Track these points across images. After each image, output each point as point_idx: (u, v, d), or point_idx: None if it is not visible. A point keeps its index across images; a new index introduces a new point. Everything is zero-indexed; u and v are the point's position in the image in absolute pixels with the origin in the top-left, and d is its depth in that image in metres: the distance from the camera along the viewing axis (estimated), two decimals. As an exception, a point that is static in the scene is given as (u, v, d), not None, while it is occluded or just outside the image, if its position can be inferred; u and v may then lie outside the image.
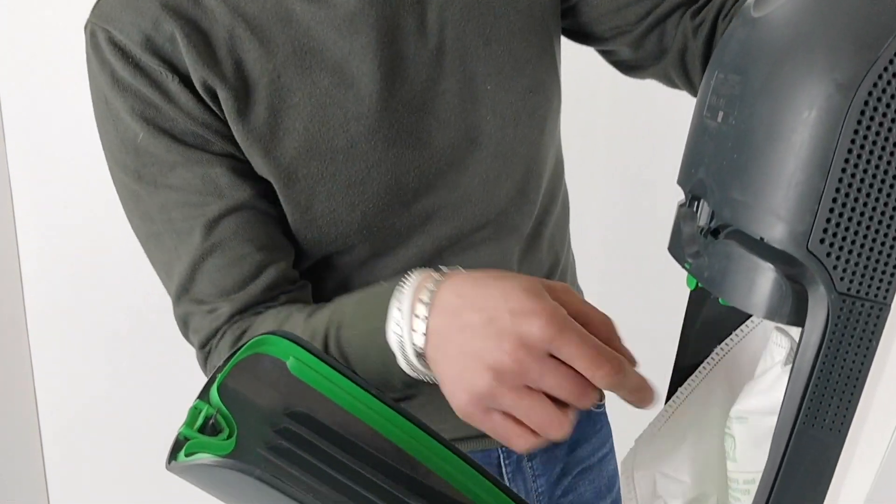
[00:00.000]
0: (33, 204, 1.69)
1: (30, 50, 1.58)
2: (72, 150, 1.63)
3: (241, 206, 0.74)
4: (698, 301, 0.61)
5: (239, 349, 0.59)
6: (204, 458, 0.46)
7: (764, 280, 0.46)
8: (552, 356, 0.53)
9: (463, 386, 0.55)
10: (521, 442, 0.55)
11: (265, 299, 0.74)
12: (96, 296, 1.75)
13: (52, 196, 1.69)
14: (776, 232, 0.45)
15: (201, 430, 0.53)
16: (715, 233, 0.51)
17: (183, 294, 0.75)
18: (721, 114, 0.49)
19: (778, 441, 0.47)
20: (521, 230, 0.84)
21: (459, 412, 0.57)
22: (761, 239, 0.46)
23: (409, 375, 0.61)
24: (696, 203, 0.54)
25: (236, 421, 0.56)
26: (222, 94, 0.71)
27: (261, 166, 0.74)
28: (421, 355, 0.58)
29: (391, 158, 0.75)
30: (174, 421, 0.53)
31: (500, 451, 0.92)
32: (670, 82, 0.84)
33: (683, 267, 0.54)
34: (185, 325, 0.77)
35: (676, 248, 0.55)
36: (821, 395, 0.46)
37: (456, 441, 0.85)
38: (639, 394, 0.54)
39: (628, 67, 0.88)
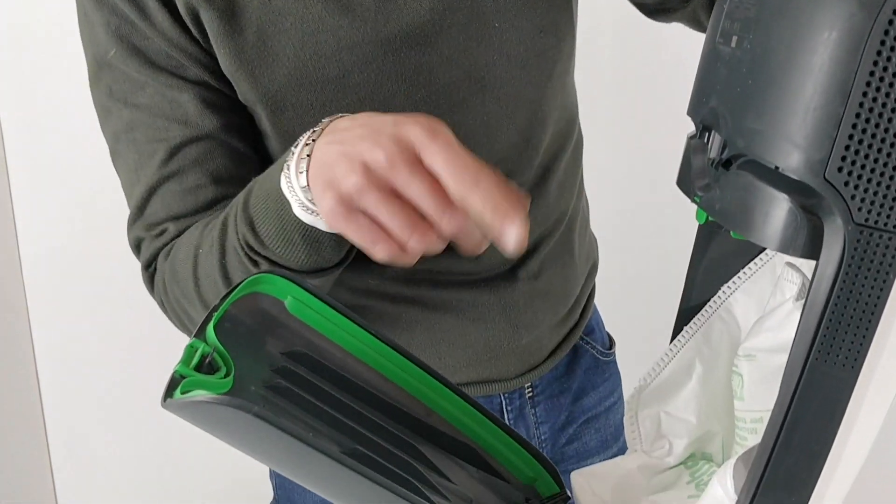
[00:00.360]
0: (32, 190, 1.69)
1: (27, 47, 1.58)
2: (70, 142, 1.62)
3: (206, 136, 0.72)
4: (706, 237, 0.59)
5: (235, 288, 0.58)
6: (201, 395, 0.45)
7: (778, 211, 0.44)
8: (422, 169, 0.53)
9: (332, 184, 0.54)
10: (381, 249, 0.54)
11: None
12: (97, 277, 1.74)
13: (50, 184, 1.68)
14: (792, 160, 0.43)
15: (197, 368, 0.51)
16: (727, 164, 0.49)
17: (137, 217, 0.74)
18: (735, 38, 0.47)
19: (789, 377, 0.46)
20: (522, 179, 0.81)
21: (325, 214, 0.55)
22: (776, 168, 0.44)
23: (308, 226, 0.61)
24: (706, 134, 0.52)
25: (233, 360, 0.55)
26: (206, 16, 0.68)
27: (247, 92, 0.72)
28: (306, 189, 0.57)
29: (385, 93, 0.72)
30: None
31: (502, 398, 0.91)
32: (699, 26, 0.79)
33: (693, 201, 0.52)
34: (136, 248, 0.76)
35: (685, 181, 0.53)
36: (835, 330, 0.44)
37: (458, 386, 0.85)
38: (498, 212, 0.52)
39: (653, 11, 0.83)
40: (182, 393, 0.47)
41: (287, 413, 0.56)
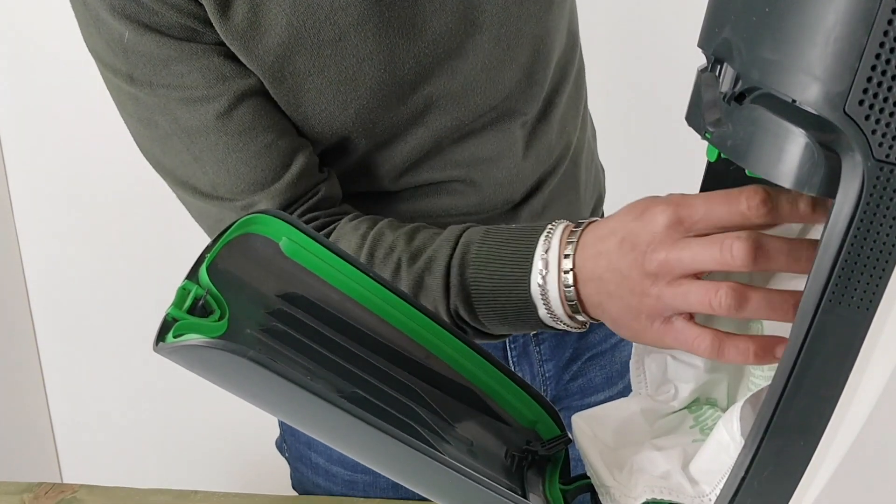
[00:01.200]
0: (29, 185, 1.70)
1: (24, 46, 1.57)
2: (69, 145, 1.63)
3: (252, 91, 0.69)
4: (716, 176, 0.57)
5: (228, 228, 0.56)
6: (194, 339, 0.44)
7: (794, 147, 0.42)
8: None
9: (634, 312, 0.56)
10: (704, 342, 0.54)
11: (303, 191, 0.71)
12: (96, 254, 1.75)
13: (50, 181, 1.69)
14: (811, 93, 0.41)
15: (190, 311, 0.50)
16: (740, 98, 0.47)
17: (211, 193, 0.71)
18: (752, -36, 0.44)
19: (802, 319, 0.44)
20: (526, 115, 0.79)
21: (649, 339, 0.57)
22: (793, 101, 0.42)
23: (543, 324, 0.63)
24: (718, 67, 0.50)
25: (227, 302, 0.53)
26: None
27: (246, 63, 0.69)
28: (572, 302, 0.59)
29: (384, 50, 0.70)
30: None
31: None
32: None
33: (703, 137, 0.50)
34: (218, 223, 0.72)
35: (695, 116, 0.51)
36: (850, 271, 0.43)
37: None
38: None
39: None
40: (174, 337, 0.45)
41: (283, 356, 0.55)
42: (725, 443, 0.50)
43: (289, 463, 0.99)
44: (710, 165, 0.57)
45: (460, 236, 0.66)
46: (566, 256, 0.59)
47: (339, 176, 0.77)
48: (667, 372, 0.63)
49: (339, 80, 0.70)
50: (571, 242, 0.59)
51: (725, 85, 0.49)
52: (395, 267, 0.67)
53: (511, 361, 0.90)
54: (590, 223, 0.60)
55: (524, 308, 0.62)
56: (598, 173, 0.97)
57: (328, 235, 0.70)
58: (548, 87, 0.80)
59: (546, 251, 0.61)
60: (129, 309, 1.76)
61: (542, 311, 0.61)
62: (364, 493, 0.90)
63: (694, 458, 0.53)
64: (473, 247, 0.64)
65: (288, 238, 0.59)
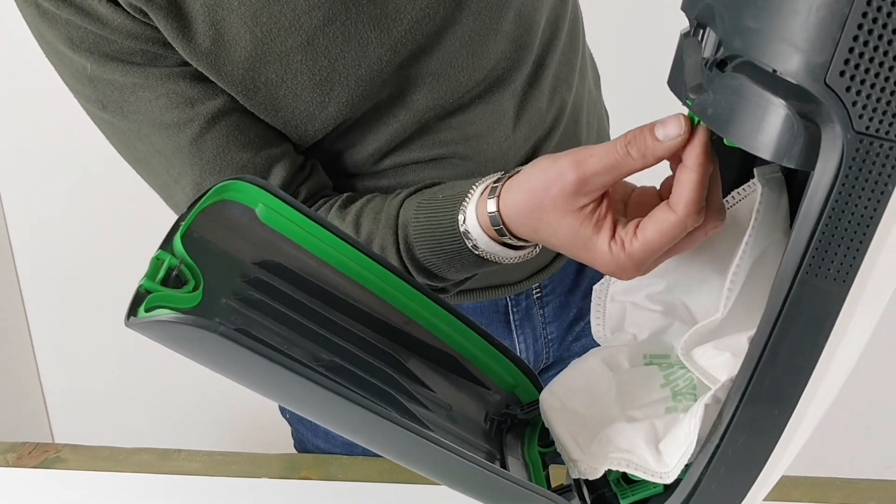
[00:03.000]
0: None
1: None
2: (56, 138, 1.61)
3: (223, 111, 0.68)
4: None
5: (203, 196, 0.55)
6: (164, 314, 0.43)
7: (774, 117, 0.42)
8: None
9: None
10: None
11: None
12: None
13: (35, 153, 1.69)
14: (791, 63, 0.40)
15: (164, 282, 0.49)
16: (721, 65, 0.46)
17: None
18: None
19: (778, 290, 0.44)
20: (515, 83, 0.76)
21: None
22: (774, 71, 0.41)
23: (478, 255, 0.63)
24: (701, 32, 0.49)
25: (202, 271, 0.52)
26: (153, 16, 0.63)
27: (215, 81, 0.68)
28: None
29: (356, 47, 0.67)
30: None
31: (507, 300, 0.88)
32: None
33: (684, 103, 0.49)
34: None
35: (677, 82, 0.50)
36: (827, 243, 0.42)
37: (462, 294, 0.83)
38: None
39: None
40: (146, 311, 0.45)
41: (259, 325, 0.54)
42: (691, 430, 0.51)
43: (290, 424, 0.99)
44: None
45: (398, 216, 0.66)
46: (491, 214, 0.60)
47: (323, 162, 0.76)
48: (625, 317, 0.63)
49: (314, 84, 0.68)
50: (496, 185, 0.60)
51: (707, 50, 0.48)
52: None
53: (514, 325, 0.89)
54: (504, 184, 0.60)
55: (478, 264, 0.64)
56: (602, 122, 0.93)
57: None
58: (537, 50, 0.76)
59: (464, 220, 0.62)
60: (117, 271, 1.75)
61: (488, 258, 0.63)
62: (363, 452, 0.91)
63: (665, 437, 0.53)
64: (410, 227, 0.65)
65: (264, 204, 0.58)
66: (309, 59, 0.67)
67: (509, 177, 0.60)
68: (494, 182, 0.60)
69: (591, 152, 0.53)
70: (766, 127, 0.42)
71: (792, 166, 0.42)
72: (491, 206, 0.59)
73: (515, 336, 0.90)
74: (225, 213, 0.57)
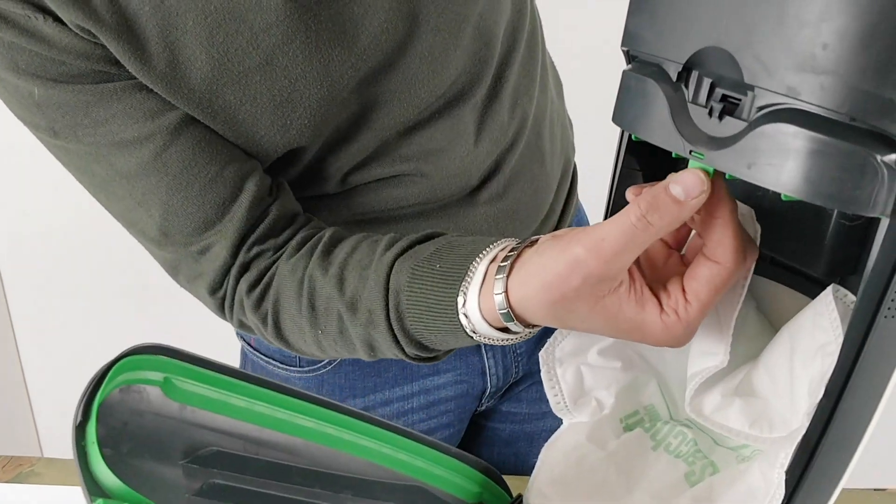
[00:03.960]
0: None
1: None
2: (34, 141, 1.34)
3: (186, 122, 0.63)
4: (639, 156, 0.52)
5: (98, 385, 0.39)
6: None
7: (857, 169, 0.37)
8: None
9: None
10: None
11: (256, 220, 0.65)
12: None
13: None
14: (874, 109, 0.36)
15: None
16: (728, 111, 0.41)
17: (162, 239, 0.65)
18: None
19: (856, 331, 0.41)
20: (475, 97, 0.72)
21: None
22: (852, 120, 0.37)
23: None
24: (686, 75, 0.43)
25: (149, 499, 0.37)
26: (103, 38, 0.58)
27: (174, 103, 0.61)
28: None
29: (318, 65, 0.63)
30: None
31: None
32: None
33: (687, 156, 0.44)
34: (174, 270, 0.68)
35: (655, 129, 0.44)
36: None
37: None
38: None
39: None
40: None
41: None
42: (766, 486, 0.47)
43: None
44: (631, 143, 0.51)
45: (388, 280, 0.58)
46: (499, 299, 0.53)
47: (287, 182, 0.70)
48: (583, 383, 0.58)
49: (274, 105, 0.63)
50: (500, 277, 0.52)
51: (702, 96, 0.43)
52: (338, 320, 0.61)
53: (483, 345, 0.82)
54: (513, 268, 0.53)
55: (470, 339, 0.57)
56: (566, 132, 0.89)
57: (270, 282, 0.64)
58: (496, 62, 0.72)
59: (464, 303, 0.54)
60: (105, 278, 1.77)
61: (484, 340, 0.56)
62: None
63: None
64: (403, 296, 0.58)
65: (168, 376, 0.44)
66: (268, 79, 0.62)
67: (517, 255, 0.52)
68: (503, 260, 0.53)
69: (603, 234, 0.46)
70: (847, 180, 0.38)
71: (885, 217, 0.39)
72: (500, 301, 0.51)
73: (484, 352, 0.87)
74: (131, 407, 0.42)
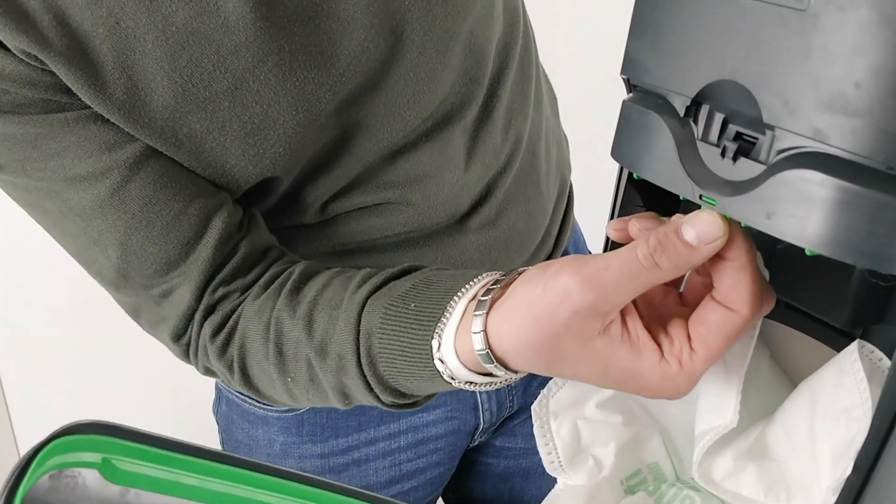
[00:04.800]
0: None
1: None
2: None
3: (148, 154, 0.57)
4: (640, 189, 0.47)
5: (22, 472, 0.34)
6: None
7: (891, 225, 0.33)
8: None
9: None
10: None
11: (223, 259, 0.60)
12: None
13: None
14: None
15: None
16: (742, 151, 0.37)
17: (120, 282, 0.60)
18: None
19: (891, 392, 0.37)
20: (465, 119, 0.67)
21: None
22: (890, 169, 0.32)
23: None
24: (694, 109, 0.39)
25: None
26: (52, 64, 0.53)
27: (133, 133, 0.56)
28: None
29: (292, 89, 0.58)
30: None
31: None
32: None
33: (698, 200, 0.39)
34: (135, 314, 0.63)
35: (675, 173, 0.39)
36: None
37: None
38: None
39: None
40: None
41: None
42: None
43: None
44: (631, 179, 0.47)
45: (359, 321, 0.53)
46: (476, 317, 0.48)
47: (260, 213, 0.66)
48: (580, 439, 0.53)
49: (245, 133, 0.58)
50: (479, 314, 0.47)
51: (713, 134, 0.38)
52: (307, 366, 0.56)
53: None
54: (492, 307, 0.47)
55: (450, 386, 0.51)
56: (562, 150, 0.83)
57: (235, 326, 0.60)
58: (487, 81, 0.67)
59: (438, 347, 0.49)
60: (81, 290, 1.61)
61: (464, 387, 0.51)
62: None
63: None
64: (375, 339, 0.53)
65: (106, 456, 0.39)
66: (238, 105, 0.57)
67: (501, 288, 0.47)
68: (483, 294, 0.48)
69: (605, 264, 0.41)
70: (882, 235, 0.33)
71: (926, 279, 0.34)
72: (478, 341, 0.46)
73: None
74: (62, 492, 0.36)
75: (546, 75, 0.83)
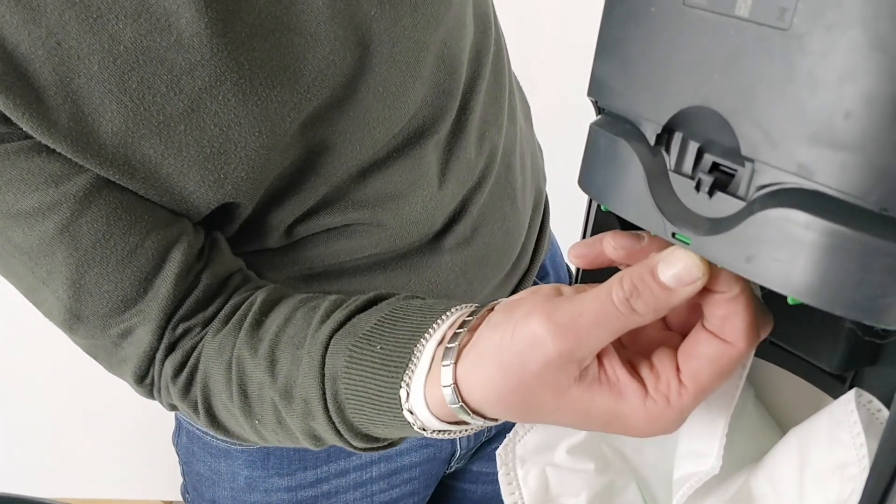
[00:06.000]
0: None
1: None
2: None
3: (99, 186, 0.53)
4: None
5: None
6: None
7: (885, 272, 0.29)
8: None
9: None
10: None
11: (183, 293, 0.56)
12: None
13: None
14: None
15: None
16: (719, 185, 0.33)
17: (74, 323, 0.56)
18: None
19: (890, 449, 0.33)
20: (439, 132, 0.64)
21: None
22: (883, 210, 0.28)
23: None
24: (666, 137, 0.35)
25: None
26: None
27: (80, 162, 0.52)
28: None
29: (254, 109, 0.54)
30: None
31: None
32: None
33: (670, 238, 0.35)
34: (94, 356, 0.59)
35: (645, 208, 0.36)
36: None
37: None
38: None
39: None
40: None
41: None
42: None
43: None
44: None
45: (323, 364, 0.50)
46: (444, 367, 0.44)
47: (225, 238, 0.62)
48: (549, 488, 0.49)
49: (204, 157, 0.54)
50: (448, 364, 0.44)
51: (687, 165, 0.35)
52: (273, 409, 0.53)
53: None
54: (461, 355, 0.43)
55: (420, 434, 0.48)
56: (536, 160, 0.80)
57: (196, 364, 0.56)
58: (461, 93, 0.64)
59: (407, 397, 0.45)
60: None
61: (438, 436, 0.48)
62: None
63: None
64: (341, 384, 0.49)
65: None
66: (195, 128, 0.53)
67: (465, 338, 0.43)
68: (450, 339, 0.44)
69: (578, 309, 0.38)
70: (876, 285, 0.29)
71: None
72: (450, 394, 0.42)
73: None
74: None
75: (518, 83, 0.79)
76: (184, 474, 0.81)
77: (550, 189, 0.85)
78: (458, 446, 0.79)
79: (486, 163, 0.69)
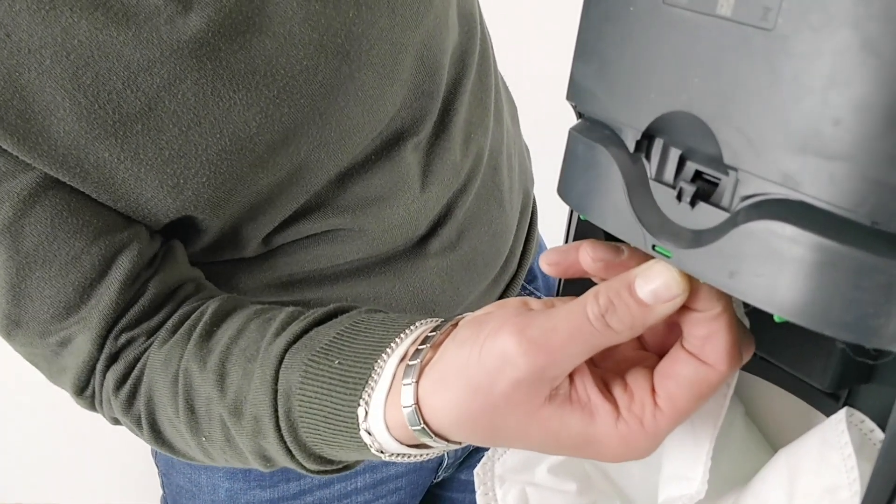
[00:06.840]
0: None
1: None
2: None
3: (44, 186, 0.51)
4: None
5: None
6: None
7: (890, 290, 0.27)
8: None
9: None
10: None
11: (125, 302, 0.54)
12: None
13: None
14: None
15: None
16: (702, 195, 0.31)
17: (12, 329, 0.54)
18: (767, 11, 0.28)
19: (885, 475, 0.31)
20: (419, 135, 0.62)
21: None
22: (874, 224, 0.26)
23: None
24: (646, 143, 0.33)
25: None
26: None
27: (29, 161, 0.50)
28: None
29: (216, 111, 0.52)
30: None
31: None
32: None
33: (650, 251, 0.33)
34: (33, 364, 0.57)
35: (625, 218, 0.34)
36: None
37: None
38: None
39: None
40: None
41: None
42: None
43: None
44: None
45: (276, 379, 0.47)
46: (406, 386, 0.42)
47: (191, 252, 0.60)
48: None
49: (163, 160, 0.52)
50: (409, 383, 0.41)
51: (668, 173, 0.33)
52: (221, 426, 0.50)
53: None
54: (423, 374, 0.41)
55: (377, 457, 0.46)
56: (524, 161, 0.78)
57: (140, 376, 0.54)
58: (443, 93, 0.62)
59: (365, 416, 0.43)
60: None
61: (396, 459, 0.46)
62: None
63: None
64: (295, 401, 0.46)
65: None
66: (153, 129, 0.51)
67: (428, 355, 0.41)
68: (412, 356, 0.42)
69: (551, 324, 0.36)
70: (867, 304, 0.27)
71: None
72: (410, 415, 0.40)
73: None
74: None
75: (505, 84, 0.77)
76: (163, 486, 0.79)
77: (538, 191, 0.83)
78: (446, 455, 0.78)
79: (472, 165, 0.67)
